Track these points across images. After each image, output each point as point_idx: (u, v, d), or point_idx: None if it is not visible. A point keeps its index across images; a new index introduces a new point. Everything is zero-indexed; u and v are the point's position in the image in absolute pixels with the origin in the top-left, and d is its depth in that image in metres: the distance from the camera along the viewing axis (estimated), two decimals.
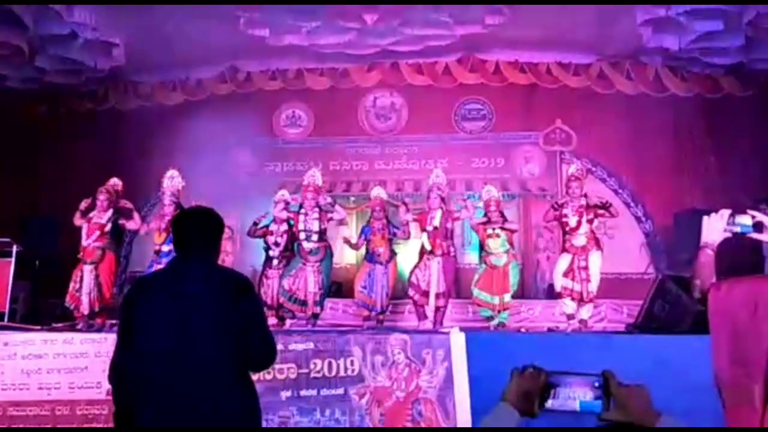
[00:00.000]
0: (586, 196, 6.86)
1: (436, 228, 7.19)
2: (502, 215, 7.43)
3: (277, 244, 7.79)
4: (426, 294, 7.14)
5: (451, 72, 10.99)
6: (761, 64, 9.66)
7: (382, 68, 11.17)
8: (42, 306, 8.70)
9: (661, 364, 4.50)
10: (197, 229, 2.68)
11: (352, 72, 11.26)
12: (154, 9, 8.63)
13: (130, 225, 7.37)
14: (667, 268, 9.71)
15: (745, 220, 2.43)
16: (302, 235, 7.13)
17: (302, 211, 7.22)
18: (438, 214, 7.25)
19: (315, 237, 7.06)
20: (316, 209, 7.16)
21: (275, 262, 7.74)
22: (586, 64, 10.60)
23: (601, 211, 6.75)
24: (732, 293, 2.35)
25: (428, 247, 7.21)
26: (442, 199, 7.40)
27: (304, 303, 6.95)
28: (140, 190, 9.31)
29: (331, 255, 7.34)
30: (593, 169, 10.25)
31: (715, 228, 2.46)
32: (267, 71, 11.40)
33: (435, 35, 9.90)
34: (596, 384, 1.51)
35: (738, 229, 2.43)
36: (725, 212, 2.45)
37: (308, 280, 6.97)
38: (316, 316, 7.09)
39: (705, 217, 2.50)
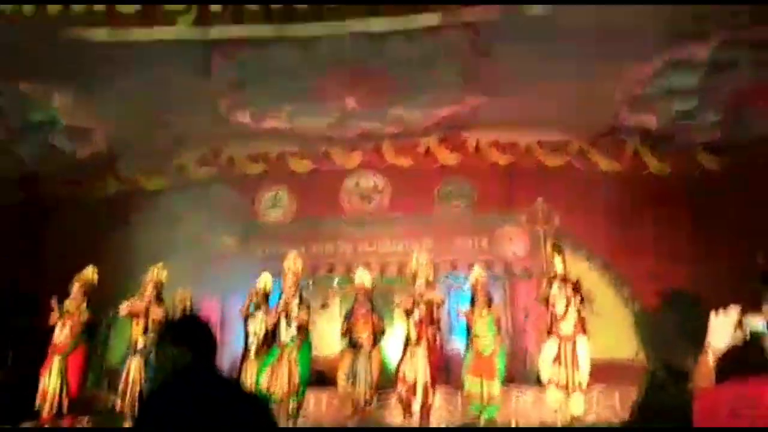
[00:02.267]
0: (569, 279, 6.74)
1: (422, 317, 6.99)
2: (489, 297, 7.28)
3: (256, 333, 7.56)
4: (413, 386, 6.87)
5: (433, 152, 11.01)
6: (738, 140, 9.73)
7: (364, 150, 11.17)
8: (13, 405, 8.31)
9: None
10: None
11: (334, 154, 11.24)
12: (134, 95, 8.60)
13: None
14: (656, 351, 9.49)
15: (757, 322, 2.23)
16: (282, 325, 6.91)
17: (282, 299, 7.03)
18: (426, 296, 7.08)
19: (294, 327, 6.84)
20: (296, 298, 6.97)
21: (253, 352, 7.49)
22: (565, 142, 10.66)
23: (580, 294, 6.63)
24: (717, 400, 2.18)
25: (413, 336, 6.99)
26: (427, 284, 7.23)
27: (281, 400, 6.65)
28: (119, 278, 9.07)
29: (310, 346, 7.09)
30: (577, 249, 10.13)
31: (722, 330, 2.27)
32: (249, 155, 11.36)
33: (415, 117, 9.94)
34: None
35: (748, 333, 2.24)
36: (734, 310, 2.27)
37: (284, 374, 6.69)
38: (295, 412, 6.78)
39: (712, 314, 2.32)
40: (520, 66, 8.25)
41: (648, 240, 10.13)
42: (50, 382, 6.76)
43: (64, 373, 6.78)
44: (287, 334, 6.85)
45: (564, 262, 6.92)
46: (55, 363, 6.78)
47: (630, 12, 6.52)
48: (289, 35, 7.28)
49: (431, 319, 7.08)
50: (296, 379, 6.72)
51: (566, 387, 6.49)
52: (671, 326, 9.27)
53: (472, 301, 7.34)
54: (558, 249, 6.97)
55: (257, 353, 7.47)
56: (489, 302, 7.24)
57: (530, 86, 8.72)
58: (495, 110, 9.72)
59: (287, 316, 6.95)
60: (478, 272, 7.49)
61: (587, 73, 8.32)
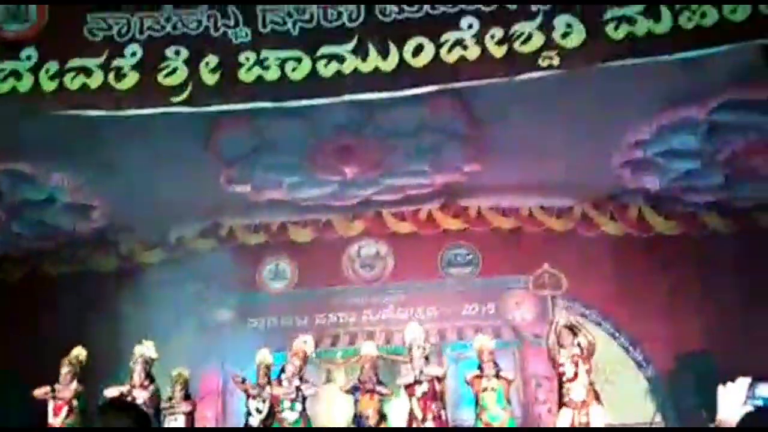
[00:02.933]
0: (579, 345, 6.55)
1: (425, 393, 6.76)
2: (496, 365, 7.06)
3: (259, 410, 7.34)
4: None
5: (435, 219, 10.92)
6: (742, 201, 9.66)
7: (366, 218, 11.11)
8: None
9: None
10: None
11: (335, 222, 11.17)
12: (132, 170, 8.60)
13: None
14: (674, 416, 9.21)
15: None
16: (284, 404, 6.70)
17: (284, 376, 6.84)
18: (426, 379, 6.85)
19: (295, 404, 6.62)
20: (297, 378, 6.79)
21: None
22: (569, 206, 10.57)
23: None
24: None
25: (419, 415, 6.75)
26: (426, 358, 7.02)
27: None
28: (120, 354, 8.87)
29: (311, 424, 6.86)
30: (587, 312, 9.96)
31: (732, 402, 2.11)
32: (249, 225, 11.29)
33: (415, 184, 9.90)
34: None
35: (760, 403, 2.07)
36: (744, 381, 2.11)
37: None
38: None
39: (720, 388, 2.16)
40: (517, 132, 8.26)
41: (658, 302, 9.93)
42: None
43: None
44: (292, 414, 6.64)
45: (575, 335, 6.73)
46: None
47: (628, 74, 6.52)
48: (285, 107, 7.29)
49: (434, 394, 6.84)
50: None
51: None
52: (687, 389, 9.03)
53: (480, 370, 7.11)
54: (573, 329, 6.78)
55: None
56: (497, 372, 6.99)
57: (529, 152, 8.70)
58: (495, 176, 9.69)
59: (297, 396, 6.77)
60: (481, 340, 7.30)
61: (586, 136, 8.31)
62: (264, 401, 7.34)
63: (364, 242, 11.36)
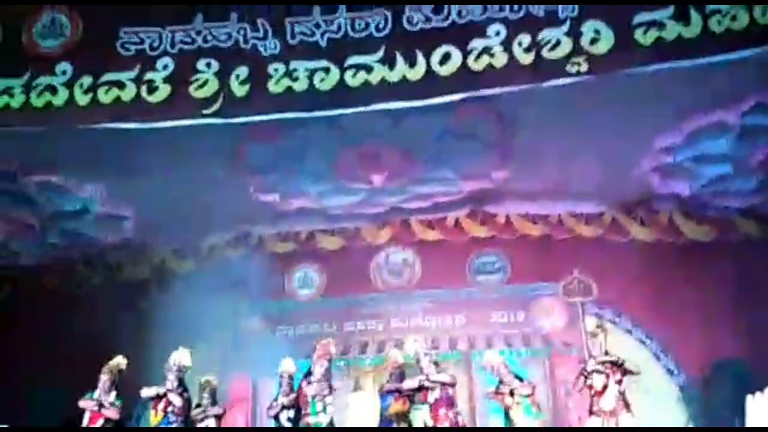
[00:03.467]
0: (607, 353, 6.48)
1: (437, 399, 6.75)
2: (518, 377, 6.98)
3: (290, 419, 7.37)
4: None
5: (462, 226, 10.88)
6: None
7: (393, 225, 11.12)
8: None
9: None
10: None
11: (363, 230, 11.20)
12: (163, 181, 8.74)
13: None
14: (706, 424, 9.07)
15: None
16: (316, 406, 6.73)
17: (312, 378, 6.87)
18: (438, 387, 6.83)
19: (320, 408, 6.65)
20: (325, 381, 6.80)
21: None
22: (598, 213, 10.48)
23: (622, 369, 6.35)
24: None
25: (429, 422, 6.74)
26: (436, 363, 7.01)
27: None
28: (152, 362, 9.00)
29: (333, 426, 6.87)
30: (617, 320, 9.88)
31: (762, 411, 2.11)
32: (278, 234, 11.37)
33: (443, 192, 9.91)
34: None
35: None
36: None
37: None
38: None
39: (749, 398, 2.15)
40: (545, 138, 8.23)
41: (689, 309, 9.80)
42: None
43: None
44: (314, 418, 6.66)
45: (603, 342, 6.65)
46: None
47: (657, 79, 6.48)
48: (313, 117, 7.37)
49: (449, 401, 6.80)
50: None
51: None
52: (720, 398, 8.91)
53: (500, 384, 7.03)
54: (597, 331, 6.71)
55: None
56: (518, 381, 6.91)
57: (557, 158, 8.66)
58: (523, 183, 9.66)
59: (322, 400, 6.78)
60: (489, 356, 7.27)
61: (614, 142, 8.26)
62: (291, 408, 7.38)
63: (391, 250, 11.38)
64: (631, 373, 6.47)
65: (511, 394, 6.83)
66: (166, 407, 6.85)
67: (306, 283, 11.50)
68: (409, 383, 7.04)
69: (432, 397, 6.79)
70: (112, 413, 6.85)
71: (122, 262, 11.39)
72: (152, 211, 9.65)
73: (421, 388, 6.97)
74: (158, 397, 6.97)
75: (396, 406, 7.26)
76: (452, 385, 6.97)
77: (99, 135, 7.50)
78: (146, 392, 7.14)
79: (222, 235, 11.15)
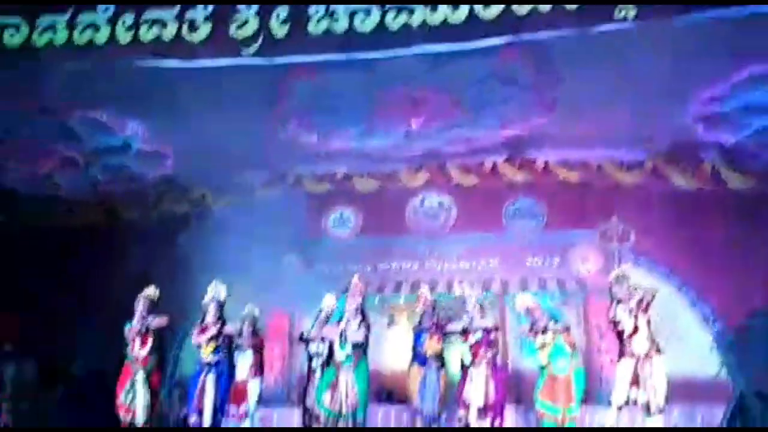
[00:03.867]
0: (634, 294, 6.48)
1: (478, 341, 6.86)
2: (552, 317, 7.06)
3: (318, 354, 7.60)
4: (478, 408, 6.72)
5: (500, 171, 10.82)
6: None
7: (430, 169, 11.12)
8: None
9: None
10: None
11: (399, 173, 11.22)
12: (203, 119, 8.81)
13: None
14: (740, 371, 9.10)
15: None
16: (337, 344, 6.89)
17: (343, 318, 7.02)
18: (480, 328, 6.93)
19: (349, 347, 6.79)
20: (358, 316, 6.93)
21: (317, 372, 7.52)
22: (640, 160, 10.31)
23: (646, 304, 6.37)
24: None
25: (467, 360, 6.87)
26: (481, 307, 7.09)
27: (340, 415, 6.61)
28: (190, 294, 9.27)
29: (366, 365, 7.00)
30: (653, 266, 9.83)
31: None
32: (315, 174, 11.47)
33: (481, 136, 9.81)
34: None
35: None
36: None
37: (343, 393, 6.65)
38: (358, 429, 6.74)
39: None
40: (589, 84, 8.02)
41: (728, 258, 9.72)
42: (130, 396, 6.93)
43: (148, 389, 6.98)
44: (342, 353, 6.81)
45: (628, 287, 6.63)
46: (138, 377, 6.96)
47: (704, 27, 6.25)
48: (353, 59, 7.31)
49: (488, 342, 6.93)
50: (354, 398, 6.65)
51: (644, 408, 6.22)
52: (754, 346, 8.91)
53: (532, 326, 7.13)
54: (621, 279, 6.68)
55: (321, 374, 7.48)
56: (553, 326, 6.99)
57: (600, 104, 8.46)
58: (564, 129, 9.46)
59: (344, 336, 6.91)
60: (522, 298, 7.32)
61: (659, 90, 8.04)
62: (323, 341, 7.58)
63: (427, 193, 11.42)
64: (651, 297, 6.45)
65: (544, 332, 6.93)
66: (213, 337, 7.05)
67: (342, 223, 11.66)
68: (454, 326, 7.17)
69: (473, 338, 6.91)
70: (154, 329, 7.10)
71: (162, 198, 11.63)
72: (191, 149, 9.75)
73: (464, 331, 7.08)
74: (208, 335, 7.16)
75: (431, 344, 7.41)
76: (495, 329, 7.09)
77: (140, 73, 7.58)
78: (200, 339, 7.32)
79: (260, 174, 11.27)
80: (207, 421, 6.80)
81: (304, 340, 7.88)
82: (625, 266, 7.14)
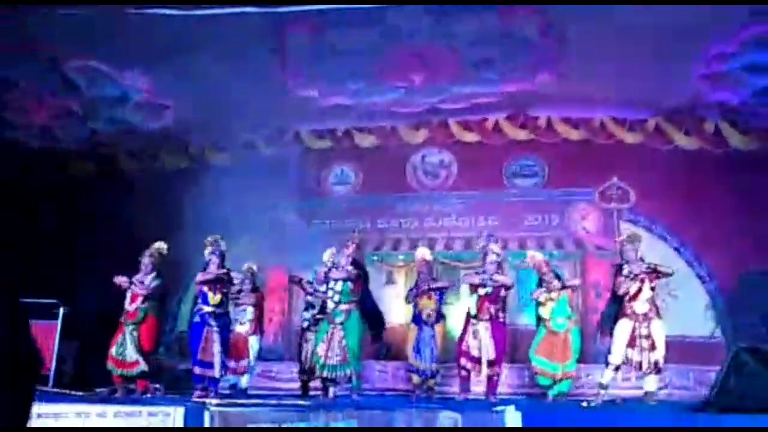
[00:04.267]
0: (642, 259, 6.49)
1: (488, 294, 6.87)
2: (558, 276, 7.09)
3: (312, 306, 7.63)
4: (476, 361, 6.78)
5: (501, 128, 10.78)
6: None
7: (431, 126, 11.06)
8: (90, 367, 8.63)
9: None
10: None
11: (400, 130, 11.17)
12: (202, 72, 8.70)
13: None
14: (735, 332, 9.17)
15: None
16: (329, 293, 6.91)
17: (332, 272, 7.02)
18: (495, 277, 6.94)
19: (337, 297, 6.82)
20: (346, 270, 6.93)
21: (310, 325, 7.57)
22: (642, 119, 10.26)
23: (657, 274, 6.37)
24: None
25: (473, 311, 6.88)
26: (499, 265, 7.08)
27: (334, 368, 6.66)
28: (188, 249, 9.26)
29: (358, 317, 7.01)
30: (652, 227, 9.83)
31: None
32: (315, 131, 11.42)
33: (483, 93, 9.73)
34: None
35: None
36: None
37: (336, 347, 6.69)
38: (356, 382, 6.79)
39: None
40: (593, 41, 7.95)
41: (727, 219, 9.70)
42: (121, 349, 6.95)
43: (136, 341, 6.97)
44: (332, 306, 6.83)
45: (639, 249, 6.63)
46: (126, 331, 6.98)
47: None
48: (355, 10, 7.20)
49: (496, 298, 6.94)
50: (344, 352, 6.68)
51: (641, 368, 6.27)
52: (750, 306, 8.96)
53: (540, 283, 7.17)
54: (633, 239, 6.67)
55: (315, 326, 7.51)
56: (559, 282, 7.03)
57: (604, 62, 8.38)
58: (567, 86, 9.38)
59: (334, 289, 6.92)
60: (533, 254, 7.34)
61: (665, 47, 7.95)
62: (316, 296, 7.61)
63: (428, 150, 11.37)
64: (665, 275, 6.49)
65: (550, 290, 6.97)
66: (221, 287, 7.04)
67: (341, 180, 11.63)
68: (471, 278, 7.16)
69: (483, 291, 6.92)
70: (142, 291, 7.09)
71: (161, 152, 11.58)
72: (192, 101, 9.68)
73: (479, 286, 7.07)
74: (213, 281, 7.14)
75: (426, 302, 7.41)
76: (509, 287, 7.10)
77: (139, 20, 7.44)
78: (204, 276, 7.26)
79: (260, 129, 11.19)
80: (217, 372, 6.80)
81: (298, 281, 7.90)
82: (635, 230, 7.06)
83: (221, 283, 7.04)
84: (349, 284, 6.90)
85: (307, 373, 7.56)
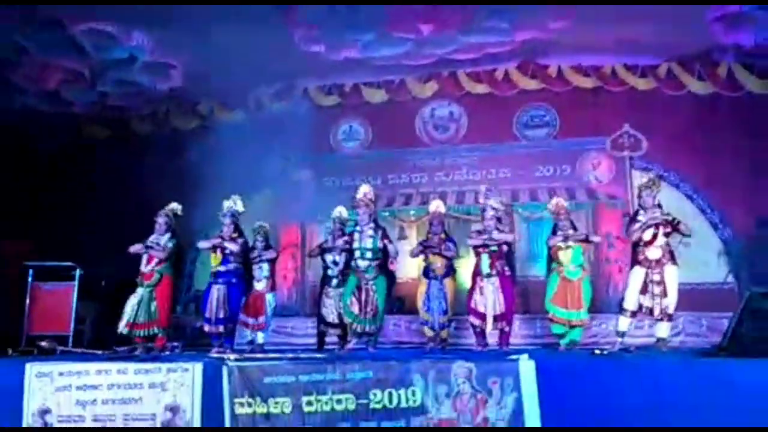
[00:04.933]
0: (660, 206, 6.41)
1: (494, 252, 6.85)
2: (573, 226, 7.04)
3: (335, 263, 7.65)
4: (483, 318, 6.80)
5: (511, 78, 10.65)
6: None
7: (440, 78, 10.96)
8: (109, 328, 8.76)
9: (753, 393, 4.10)
10: None
11: (409, 83, 11.08)
12: (209, 30, 8.62)
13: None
14: (748, 278, 9.13)
15: None
16: (357, 254, 6.92)
17: (357, 228, 7.02)
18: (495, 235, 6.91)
19: (369, 255, 6.83)
20: (371, 225, 6.93)
21: (334, 281, 7.59)
22: (654, 65, 10.10)
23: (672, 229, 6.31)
24: None
25: (486, 270, 6.86)
26: (498, 219, 7.04)
27: (363, 321, 6.72)
28: (201, 209, 9.31)
29: (387, 274, 7.06)
30: (665, 174, 9.73)
31: None
32: (323, 87, 11.36)
33: (494, 42, 9.57)
34: None
35: None
36: None
37: (363, 300, 6.74)
38: (374, 336, 6.86)
39: None
40: None
41: (740, 165, 9.67)
42: (137, 309, 7.03)
43: (151, 302, 7.05)
44: (364, 263, 6.85)
45: (656, 195, 6.53)
46: (142, 292, 7.05)
47: None
48: None
49: (501, 254, 6.91)
50: (374, 305, 6.74)
51: (652, 314, 6.27)
52: (762, 252, 8.92)
53: (554, 230, 7.12)
54: (652, 184, 6.55)
55: (338, 283, 7.54)
56: (576, 232, 6.99)
57: (617, 7, 8.19)
58: (579, 33, 9.22)
59: (361, 246, 6.92)
60: (556, 200, 7.26)
61: None
62: (340, 253, 7.61)
63: (438, 103, 11.27)
64: (681, 234, 6.40)
65: (586, 240, 6.95)
66: (224, 250, 7.12)
67: (351, 136, 11.59)
68: (473, 241, 7.13)
69: (487, 251, 6.89)
70: (160, 254, 7.15)
71: (171, 112, 11.57)
72: (199, 60, 9.60)
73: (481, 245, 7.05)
74: (214, 247, 7.21)
75: (435, 257, 7.40)
76: (510, 243, 7.06)
77: None
78: (202, 244, 7.38)
79: (268, 87, 11.11)
80: (212, 329, 6.93)
81: (320, 252, 7.89)
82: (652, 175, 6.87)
83: (222, 246, 7.12)
84: (378, 241, 6.91)
85: (328, 326, 7.62)
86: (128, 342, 7.23)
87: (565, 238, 6.87)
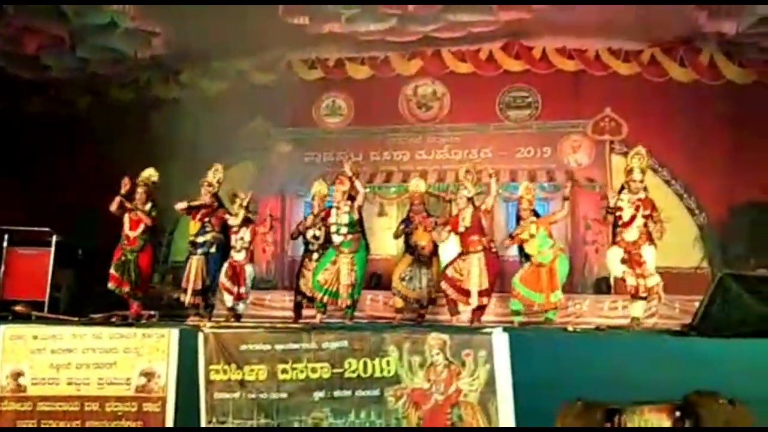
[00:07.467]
0: (646, 189, 6.46)
1: (467, 228, 6.89)
2: (535, 213, 7.02)
3: (316, 237, 7.67)
4: (461, 291, 6.85)
5: (495, 59, 10.67)
6: None
7: (424, 56, 10.96)
8: (84, 295, 8.71)
9: (720, 371, 4.20)
10: None
11: (393, 60, 11.06)
12: None
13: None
14: (722, 262, 9.29)
15: None
16: (333, 228, 6.97)
17: (334, 204, 7.05)
18: (468, 213, 6.95)
19: (344, 230, 6.87)
20: (347, 202, 6.96)
21: (315, 255, 7.62)
22: (637, 50, 10.17)
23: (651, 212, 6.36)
24: None
25: (458, 249, 6.94)
26: (469, 200, 7.06)
27: (336, 294, 6.76)
28: (182, 179, 9.24)
29: (366, 247, 7.12)
30: None
31: None
32: (307, 60, 11.28)
33: (478, 21, 9.55)
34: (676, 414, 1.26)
35: None
36: None
37: (341, 273, 6.78)
38: (350, 309, 6.91)
39: None
40: None
41: (719, 152, 9.79)
42: (123, 273, 7.01)
43: (135, 267, 7.04)
44: (339, 238, 6.89)
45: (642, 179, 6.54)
46: (126, 256, 7.03)
47: None
48: None
49: (479, 228, 6.93)
50: (352, 279, 6.78)
51: (637, 292, 6.32)
52: (738, 238, 9.05)
53: (518, 219, 7.10)
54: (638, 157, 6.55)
55: (318, 257, 7.56)
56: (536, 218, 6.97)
57: None
58: (563, 16, 9.25)
59: (338, 221, 6.96)
60: (526, 186, 7.19)
61: None
62: (320, 229, 7.63)
63: (421, 81, 11.26)
64: (656, 221, 6.41)
65: (512, 237, 6.95)
66: (203, 217, 7.10)
67: (334, 111, 11.55)
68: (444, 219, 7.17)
69: (462, 226, 6.93)
70: (146, 220, 7.13)
71: (152, 81, 11.43)
72: (181, 29, 9.48)
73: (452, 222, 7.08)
74: (194, 208, 7.19)
75: (419, 234, 7.44)
76: (487, 211, 7.03)
77: None
78: (179, 206, 7.35)
79: (251, 58, 11.03)
80: (189, 300, 6.95)
81: (300, 233, 7.89)
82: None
83: (199, 211, 7.10)
84: (354, 216, 6.95)
85: (305, 297, 7.66)
86: (104, 309, 7.21)
87: (511, 237, 6.91)
